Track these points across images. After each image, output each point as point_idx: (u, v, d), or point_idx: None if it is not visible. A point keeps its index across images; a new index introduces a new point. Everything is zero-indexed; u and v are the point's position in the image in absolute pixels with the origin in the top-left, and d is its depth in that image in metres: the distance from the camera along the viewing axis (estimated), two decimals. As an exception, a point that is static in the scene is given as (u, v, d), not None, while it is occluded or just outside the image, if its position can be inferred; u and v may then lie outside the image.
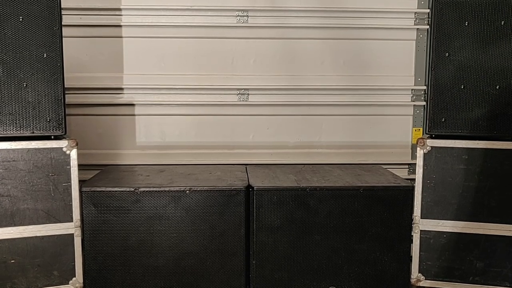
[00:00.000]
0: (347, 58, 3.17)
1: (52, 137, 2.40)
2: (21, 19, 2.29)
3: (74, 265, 2.45)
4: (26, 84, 2.33)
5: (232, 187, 2.51)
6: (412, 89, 3.20)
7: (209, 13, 3.06)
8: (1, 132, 2.32)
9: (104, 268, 2.49)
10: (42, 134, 2.38)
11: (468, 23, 2.43)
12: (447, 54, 2.46)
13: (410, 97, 3.21)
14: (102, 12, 3.03)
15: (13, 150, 2.33)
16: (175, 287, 2.52)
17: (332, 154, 3.21)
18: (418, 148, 2.50)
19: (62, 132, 2.41)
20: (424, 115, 3.14)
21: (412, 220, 2.54)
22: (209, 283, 2.53)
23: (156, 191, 2.48)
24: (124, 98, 3.10)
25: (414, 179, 2.58)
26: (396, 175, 2.83)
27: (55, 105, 2.38)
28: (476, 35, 2.43)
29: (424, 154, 2.50)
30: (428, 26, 3.10)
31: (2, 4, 2.26)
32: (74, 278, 2.46)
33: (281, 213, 2.51)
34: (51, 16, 2.34)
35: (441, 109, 2.49)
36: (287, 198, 2.50)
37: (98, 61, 3.06)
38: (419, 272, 2.55)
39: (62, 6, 2.40)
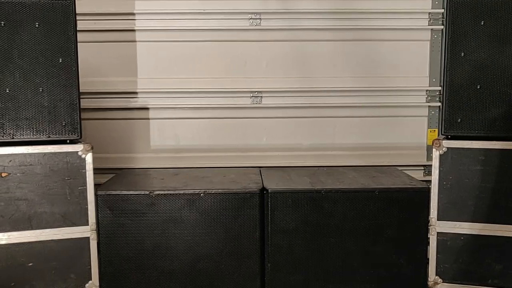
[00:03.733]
0: (360, 59, 3.15)
1: (68, 141, 2.42)
2: (37, 25, 2.32)
3: (90, 268, 2.46)
4: (42, 89, 2.36)
5: (247, 190, 2.50)
6: (426, 90, 3.17)
7: (222, 16, 3.07)
8: (18, 137, 2.35)
9: (120, 272, 2.50)
10: (58, 139, 2.40)
11: (484, 22, 2.40)
12: (462, 54, 2.43)
13: (424, 98, 3.18)
14: (115, 17, 3.05)
15: (30, 154, 2.36)
16: (190, 290, 2.53)
17: (346, 156, 3.20)
18: (433, 149, 2.47)
19: (78, 136, 2.43)
20: (440, 116, 3.11)
21: (429, 222, 2.51)
22: (224, 286, 2.52)
23: (171, 194, 2.48)
24: (138, 102, 3.12)
25: (429, 181, 2.55)
26: (411, 176, 2.81)
27: (70, 110, 2.40)
28: (492, 34, 2.39)
29: (440, 155, 2.47)
30: (442, 26, 3.08)
31: (19, 11, 2.29)
32: (90, 281, 2.47)
33: (296, 216, 2.50)
34: (66, 22, 2.36)
35: (456, 110, 2.46)
36: (301, 200, 2.49)
37: (112, 65, 3.09)
38: (436, 275, 2.52)
39: (76, 12, 2.43)
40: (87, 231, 2.44)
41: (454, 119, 2.48)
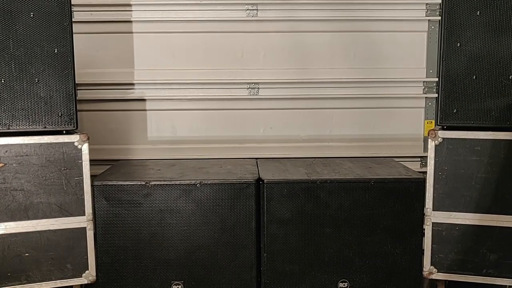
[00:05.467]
0: (358, 50, 3.15)
1: (64, 131, 2.43)
2: (32, 15, 2.31)
3: (87, 258, 2.47)
4: (38, 80, 2.36)
5: (243, 180, 2.51)
6: (424, 81, 3.17)
7: (219, 7, 3.07)
8: (14, 127, 2.35)
9: (116, 261, 2.52)
10: (54, 129, 2.41)
11: (480, 13, 2.39)
12: (458, 44, 2.43)
13: (422, 89, 3.18)
14: (112, 8, 3.05)
15: (26, 144, 2.36)
16: (186, 280, 2.54)
17: (343, 148, 3.20)
18: (429, 140, 2.47)
19: (74, 126, 2.43)
20: (436, 106, 3.11)
21: (424, 212, 2.51)
22: (220, 275, 2.54)
23: (167, 184, 2.49)
24: (135, 93, 3.12)
25: (426, 172, 2.55)
26: (407, 167, 2.81)
27: (66, 100, 2.40)
28: (488, 25, 2.39)
29: (436, 145, 2.47)
30: (439, 17, 3.06)
31: (14, 0, 2.28)
32: (87, 271, 2.48)
33: (291, 206, 2.51)
34: (61, 12, 2.36)
35: (452, 100, 2.46)
36: (297, 191, 2.50)
37: (109, 56, 3.08)
38: (431, 265, 2.53)
39: (73, 3, 2.43)
40: (83, 221, 2.45)
41: (450, 110, 2.47)
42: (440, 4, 3.05)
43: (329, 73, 3.15)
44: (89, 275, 2.49)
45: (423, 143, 3.20)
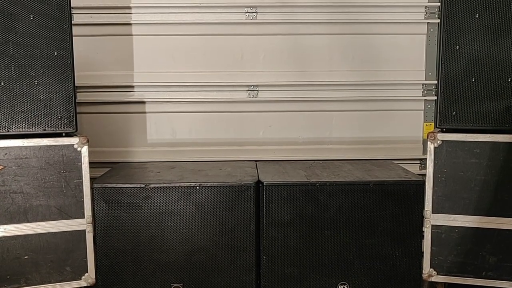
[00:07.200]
0: (357, 53, 3.15)
1: (64, 134, 2.43)
2: (31, 18, 2.32)
3: (86, 261, 2.47)
4: (38, 82, 2.36)
5: (242, 183, 2.51)
6: (423, 84, 3.18)
7: (218, 10, 3.07)
8: (13, 130, 2.35)
9: (116, 264, 2.52)
10: (53, 132, 2.41)
11: (478, 15, 2.40)
12: (457, 47, 2.44)
13: (421, 92, 3.19)
14: (112, 11, 3.05)
15: (25, 147, 2.36)
16: (186, 283, 2.53)
17: (342, 150, 3.20)
18: (428, 142, 2.48)
19: (73, 129, 2.43)
20: (435, 109, 3.11)
21: (423, 214, 2.52)
22: (219, 278, 2.54)
23: (166, 187, 2.49)
24: (135, 95, 3.12)
25: (425, 174, 2.55)
26: (407, 170, 2.82)
27: (66, 103, 2.41)
28: (487, 28, 2.40)
29: (435, 148, 2.48)
30: (439, 20, 3.06)
31: (13, 3, 2.28)
32: (86, 274, 2.48)
33: (291, 209, 2.50)
34: (61, 14, 2.36)
35: (451, 103, 2.47)
36: (297, 193, 2.50)
37: (108, 59, 3.08)
38: (430, 267, 2.53)
39: (72, 5, 2.44)
40: (83, 224, 2.45)
41: (449, 112, 2.48)
42: (439, 7, 3.06)
43: (328, 75, 3.16)
44: (89, 277, 2.49)
45: (422, 145, 3.21)
